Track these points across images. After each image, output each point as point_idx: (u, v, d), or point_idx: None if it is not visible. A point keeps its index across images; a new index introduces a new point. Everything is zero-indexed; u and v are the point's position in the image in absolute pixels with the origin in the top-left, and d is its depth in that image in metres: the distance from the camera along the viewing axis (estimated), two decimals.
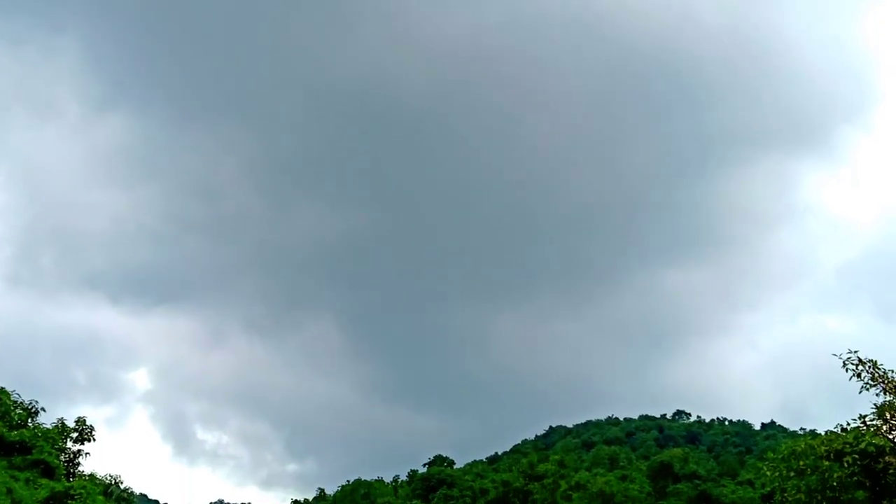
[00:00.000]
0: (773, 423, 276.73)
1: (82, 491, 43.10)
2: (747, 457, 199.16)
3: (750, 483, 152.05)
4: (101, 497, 47.00)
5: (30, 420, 53.32)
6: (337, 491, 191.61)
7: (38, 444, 49.36)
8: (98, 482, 57.34)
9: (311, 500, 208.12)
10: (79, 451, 57.54)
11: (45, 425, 54.26)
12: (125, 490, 67.23)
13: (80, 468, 57.65)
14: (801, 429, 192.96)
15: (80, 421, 58.18)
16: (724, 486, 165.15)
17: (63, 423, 57.02)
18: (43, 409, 55.13)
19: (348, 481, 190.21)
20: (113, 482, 63.86)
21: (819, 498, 29.91)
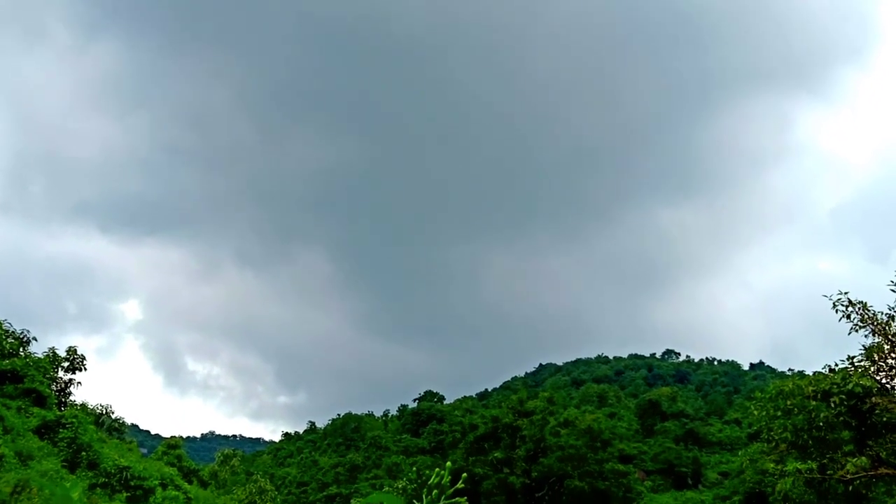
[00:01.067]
0: (761, 363, 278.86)
1: (74, 420, 43.25)
2: (735, 397, 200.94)
3: (737, 422, 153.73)
4: (92, 426, 47.21)
5: (21, 349, 53.32)
6: (327, 424, 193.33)
7: (29, 373, 49.42)
8: (89, 412, 57.61)
9: (301, 432, 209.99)
10: (70, 380, 57.73)
11: (36, 355, 54.29)
12: (116, 420, 67.61)
13: (72, 397, 57.90)
14: (790, 369, 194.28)
15: (71, 350, 58.30)
16: (711, 424, 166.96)
17: (54, 353, 57.11)
18: (34, 339, 55.15)
19: (339, 415, 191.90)
20: (104, 412, 64.20)
21: (805, 437, 30.07)
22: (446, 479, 2.39)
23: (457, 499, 2.31)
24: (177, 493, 43.36)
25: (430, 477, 2.37)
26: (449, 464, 2.42)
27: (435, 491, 2.37)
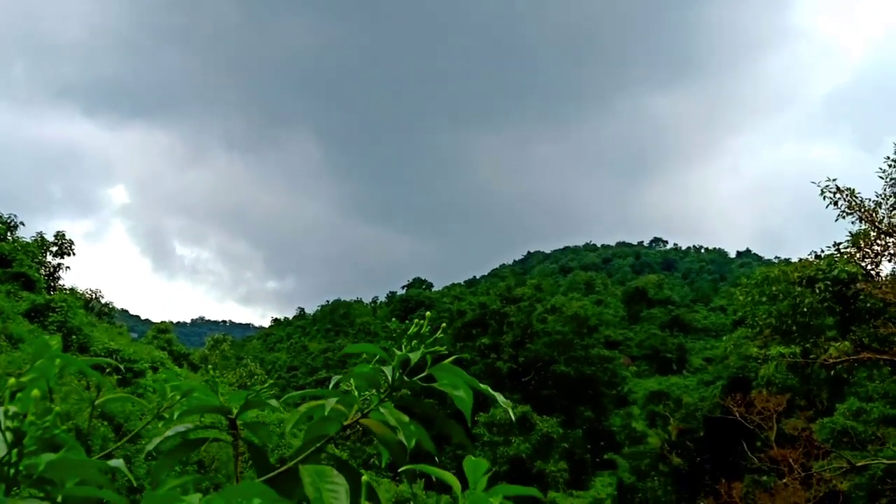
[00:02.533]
0: (748, 251, 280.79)
1: (63, 304, 43.34)
2: (721, 284, 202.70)
3: (722, 309, 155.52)
4: (81, 310, 47.38)
5: (9, 234, 53.15)
6: (316, 310, 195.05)
7: (17, 257, 49.36)
8: (79, 296, 57.76)
9: (291, 318, 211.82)
10: (58, 264, 57.74)
11: (24, 239, 54.13)
12: (106, 304, 67.88)
13: (61, 282, 57.99)
14: (776, 257, 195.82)
15: (59, 235, 58.15)
16: (696, 311, 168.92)
17: (42, 237, 56.96)
18: (22, 224, 54.92)
19: (328, 301, 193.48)
20: (93, 296, 64.40)
21: (789, 322, 30.39)
22: (426, 328, 2.31)
23: (436, 347, 2.23)
24: (167, 375, 43.75)
25: (409, 328, 2.30)
26: (429, 313, 2.34)
27: (415, 341, 2.30)
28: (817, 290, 29.21)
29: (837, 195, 30.25)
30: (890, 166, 29.45)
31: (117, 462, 2.12)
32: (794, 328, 30.32)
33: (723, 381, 56.50)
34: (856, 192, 30.34)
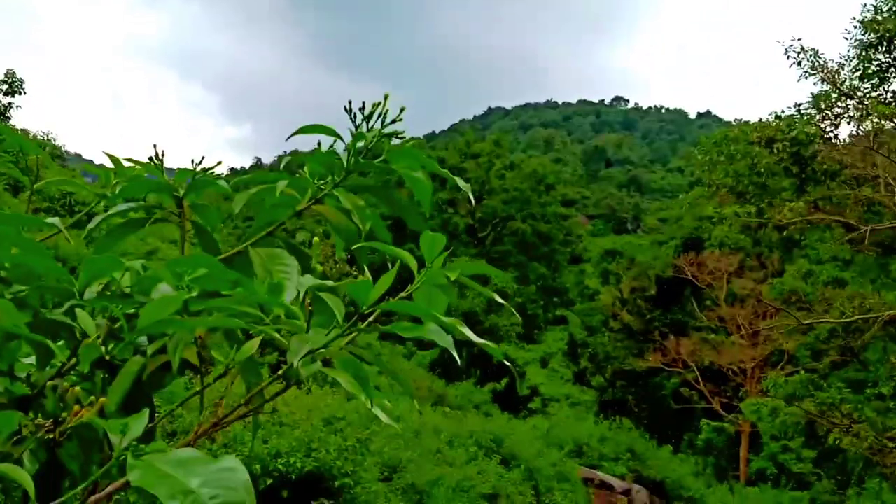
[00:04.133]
0: (708, 112, 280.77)
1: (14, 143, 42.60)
2: (680, 144, 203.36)
3: (679, 170, 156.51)
4: (33, 149, 46.52)
5: None
6: (273, 161, 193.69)
7: None
8: (30, 138, 56.69)
9: (247, 167, 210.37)
10: (9, 104, 56.38)
11: None
12: (58, 147, 66.76)
13: (11, 122, 56.76)
14: (737, 119, 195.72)
15: (10, 73, 56.63)
16: (654, 172, 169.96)
17: None
18: None
19: (285, 152, 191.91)
20: (46, 138, 63.28)
21: (746, 182, 30.49)
22: (385, 107, 2.19)
23: (395, 130, 2.11)
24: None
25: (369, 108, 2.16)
26: (387, 93, 2.20)
27: (372, 123, 2.17)
28: (775, 151, 29.27)
29: (801, 55, 30.05)
30: (855, 27, 29.23)
31: (53, 220, 2.03)
32: (750, 188, 30.47)
33: (676, 242, 57.13)
34: (819, 52, 30.16)
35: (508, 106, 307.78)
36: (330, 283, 1.99)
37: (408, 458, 17.01)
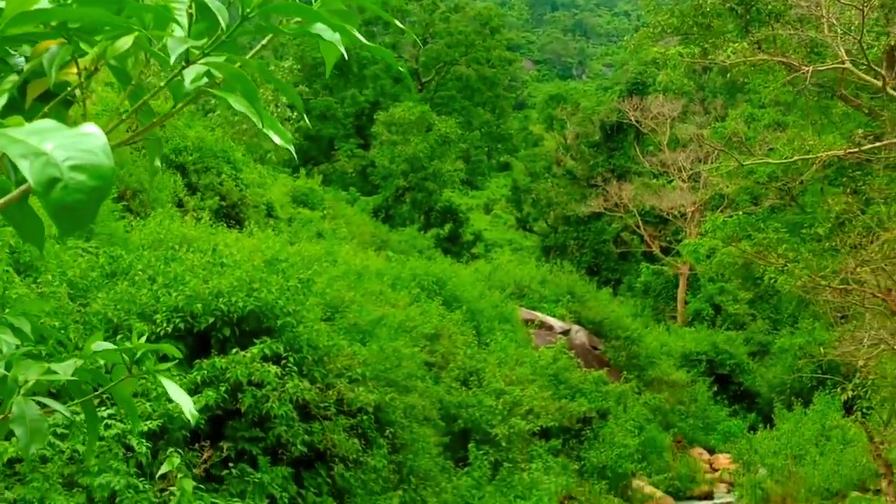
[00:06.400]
0: None
1: None
2: None
3: (626, 14, 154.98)
4: None
5: None
6: None
7: None
8: None
9: None
10: None
11: None
12: None
13: None
14: None
15: None
16: (600, 16, 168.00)
17: None
18: None
19: None
20: None
21: (690, 23, 30.17)
22: None
23: None
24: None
25: None
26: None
27: None
28: None
29: None
30: None
31: None
32: (694, 29, 30.19)
33: (621, 87, 56.95)
34: None
35: None
36: None
37: (350, 299, 17.10)
